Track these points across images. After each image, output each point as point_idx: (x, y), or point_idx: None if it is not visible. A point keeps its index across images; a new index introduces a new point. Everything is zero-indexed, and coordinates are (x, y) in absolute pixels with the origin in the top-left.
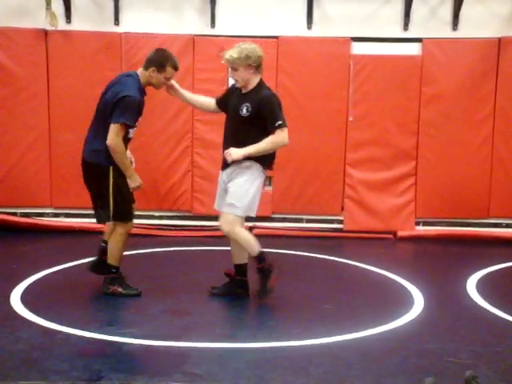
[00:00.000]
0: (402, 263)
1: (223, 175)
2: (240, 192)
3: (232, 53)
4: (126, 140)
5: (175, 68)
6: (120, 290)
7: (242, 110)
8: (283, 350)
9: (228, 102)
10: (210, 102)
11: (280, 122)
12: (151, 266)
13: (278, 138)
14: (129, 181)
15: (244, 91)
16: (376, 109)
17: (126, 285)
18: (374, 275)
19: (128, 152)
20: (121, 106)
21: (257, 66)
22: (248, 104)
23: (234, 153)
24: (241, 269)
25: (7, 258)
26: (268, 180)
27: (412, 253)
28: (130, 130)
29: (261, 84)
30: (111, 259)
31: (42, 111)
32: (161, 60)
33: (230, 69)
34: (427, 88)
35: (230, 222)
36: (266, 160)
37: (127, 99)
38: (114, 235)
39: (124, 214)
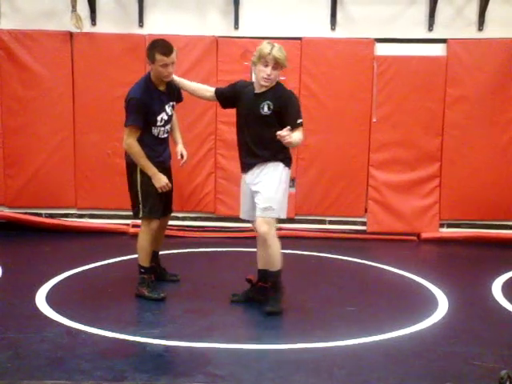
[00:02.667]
0: (426, 265)
1: (246, 178)
2: (273, 194)
3: (280, 52)
4: (158, 139)
5: (163, 53)
6: (145, 292)
7: (262, 109)
8: (306, 351)
9: (234, 99)
10: (205, 89)
11: (301, 121)
12: (174, 266)
13: (301, 135)
14: (153, 180)
15: (260, 90)
16: (400, 110)
17: (153, 288)
18: (398, 277)
19: (180, 146)
20: (127, 109)
21: None
22: (269, 102)
23: (288, 137)
24: (265, 274)
25: (33, 259)
26: (291, 181)
27: (436, 255)
28: (155, 130)
29: (278, 83)
30: (139, 259)
31: (67, 113)
32: (149, 51)
33: (268, 66)
34: (452, 89)
35: (269, 224)
36: (289, 159)
37: (130, 102)
38: (140, 234)
39: (151, 210)
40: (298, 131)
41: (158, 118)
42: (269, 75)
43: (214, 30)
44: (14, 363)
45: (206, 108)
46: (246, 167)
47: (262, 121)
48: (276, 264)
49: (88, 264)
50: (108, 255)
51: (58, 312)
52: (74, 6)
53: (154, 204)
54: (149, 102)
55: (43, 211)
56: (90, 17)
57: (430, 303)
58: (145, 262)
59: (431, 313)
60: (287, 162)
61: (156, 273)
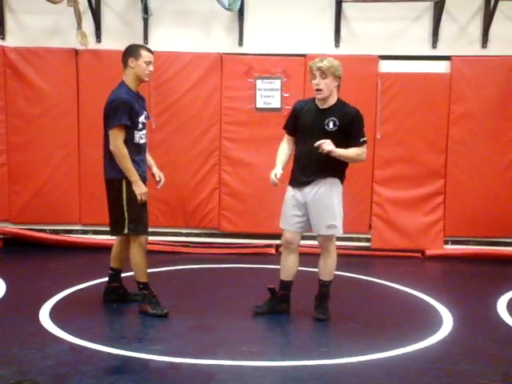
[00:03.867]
0: (431, 282)
1: (298, 193)
2: (337, 213)
3: (323, 61)
4: (138, 146)
5: (149, 50)
6: (149, 309)
7: (327, 125)
8: (310, 368)
9: (298, 123)
10: (288, 146)
11: (365, 139)
12: (178, 283)
13: (361, 152)
14: (134, 187)
15: (323, 106)
16: (404, 126)
17: (156, 304)
18: (402, 294)
19: (155, 169)
20: (111, 111)
21: (339, 81)
22: (334, 118)
23: (328, 145)
24: (287, 285)
25: (36, 275)
26: None
27: (440, 272)
28: (136, 135)
29: (341, 100)
30: (136, 276)
31: (71, 129)
32: (132, 48)
33: (316, 77)
34: (456, 106)
35: (333, 240)
36: (344, 175)
37: (114, 102)
38: (131, 251)
39: (138, 226)
40: (358, 148)
41: (140, 120)
42: (317, 84)
43: (218, 47)
44: (17, 380)
45: (210, 124)
46: (303, 183)
47: (325, 137)
48: (332, 275)
49: (92, 280)
50: None
51: (61, 328)
52: (79, 24)
53: (142, 219)
54: (132, 101)
55: (47, 227)
56: (95, 34)
57: (435, 320)
58: (142, 278)
59: (436, 330)
60: (343, 179)
61: (118, 293)
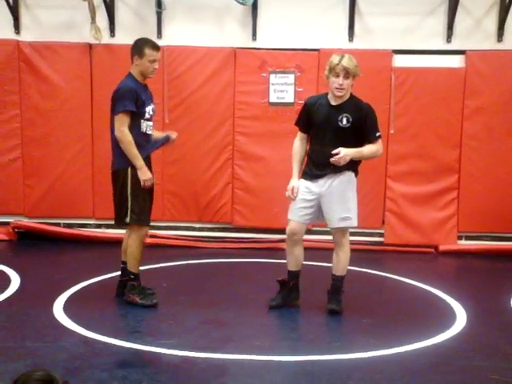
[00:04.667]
0: (444, 278)
1: (311, 185)
2: (351, 204)
3: (350, 61)
4: (145, 136)
5: (154, 48)
6: (137, 299)
7: (341, 121)
8: (322, 363)
9: (311, 119)
10: (302, 145)
11: (380, 133)
12: (191, 277)
13: (378, 147)
14: (139, 173)
15: (336, 102)
16: (418, 121)
17: (145, 294)
18: (415, 289)
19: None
20: (117, 97)
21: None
22: (348, 114)
23: (343, 159)
24: (296, 274)
25: (50, 268)
26: None
27: (454, 267)
28: (143, 124)
29: (353, 96)
30: (129, 266)
31: (85, 123)
32: (138, 45)
33: (340, 76)
34: (470, 101)
35: (347, 233)
36: (357, 168)
37: (121, 89)
38: (131, 241)
39: (142, 216)
40: (373, 144)
41: (147, 110)
42: (341, 84)
43: (232, 42)
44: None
45: (223, 118)
46: (316, 177)
47: (339, 133)
48: (345, 269)
49: (105, 274)
50: None
51: (75, 321)
52: (93, 18)
53: (144, 210)
54: (138, 90)
55: (61, 221)
56: (109, 28)
57: (448, 316)
58: (134, 269)
59: (449, 325)
60: (357, 172)
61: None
